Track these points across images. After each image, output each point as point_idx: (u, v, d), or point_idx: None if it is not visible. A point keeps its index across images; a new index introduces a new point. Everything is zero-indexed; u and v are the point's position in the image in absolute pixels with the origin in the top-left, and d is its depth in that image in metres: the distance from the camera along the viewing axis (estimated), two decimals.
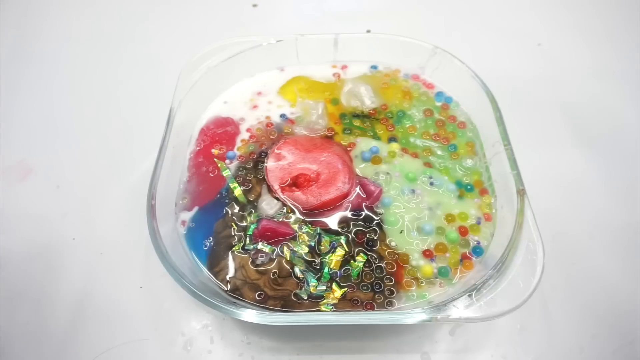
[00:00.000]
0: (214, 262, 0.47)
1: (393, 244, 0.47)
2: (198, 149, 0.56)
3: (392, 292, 0.44)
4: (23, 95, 0.71)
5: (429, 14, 0.81)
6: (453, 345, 0.46)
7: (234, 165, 0.54)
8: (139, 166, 0.57)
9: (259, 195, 0.51)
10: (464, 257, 0.46)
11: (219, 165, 0.53)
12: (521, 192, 0.45)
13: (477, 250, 0.46)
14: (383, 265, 0.46)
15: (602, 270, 0.51)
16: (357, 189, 0.50)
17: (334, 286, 0.44)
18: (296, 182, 0.50)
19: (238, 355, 0.46)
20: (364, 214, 0.49)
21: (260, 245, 0.47)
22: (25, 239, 0.55)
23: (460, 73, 0.55)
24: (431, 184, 0.51)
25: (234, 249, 0.47)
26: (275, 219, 0.49)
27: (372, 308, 0.43)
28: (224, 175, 0.53)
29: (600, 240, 0.53)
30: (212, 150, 0.55)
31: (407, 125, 0.56)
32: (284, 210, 0.49)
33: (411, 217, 0.48)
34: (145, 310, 0.49)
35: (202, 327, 0.48)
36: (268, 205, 0.50)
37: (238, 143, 0.56)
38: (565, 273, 0.50)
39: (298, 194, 0.50)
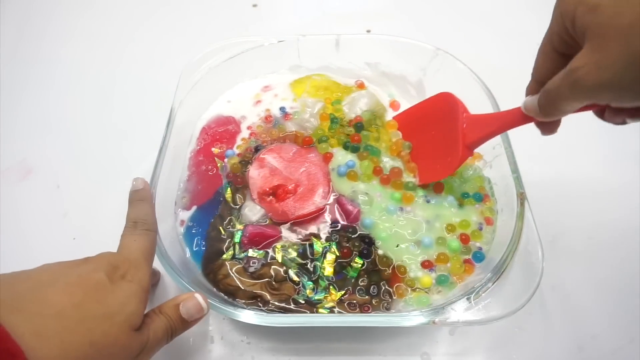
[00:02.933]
0: (208, 267, 0.47)
1: (389, 254, 0.46)
2: (198, 147, 0.56)
3: (390, 296, 0.44)
4: (23, 95, 0.71)
5: (429, 15, 0.81)
6: (453, 346, 0.46)
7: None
8: (140, 166, 0.57)
9: (243, 201, 0.51)
10: (464, 262, 0.46)
11: (219, 165, 0.54)
12: (521, 196, 0.44)
13: (478, 256, 0.46)
14: (379, 273, 0.45)
15: (602, 270, 0.51)
16: (335, 208, 0.49)
17: (331, 289, 0.44)
18: (275, 192, 0.50)
19: (238, 355, 0.46)
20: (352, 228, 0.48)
21: (250, 252, 0.47)
22: (25, 239, 0.55)
23: (462, 75, 0.55)
24: (428, 201, 0.49)
25: (224, 257, 0.47)
26: (260, 223, 0.48)
27: (369, 310, 0.43)
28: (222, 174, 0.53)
29: (600, 240, 0.53)
30: (212, 149, 0.55)
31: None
32: (269, 216, 0.49)
33: (407, 232, 0.47)
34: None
35: (202, 327, 0.48)
36: (251, 212, 0.49)
37: (238, 141, 0.56)
38: (564, 273, 0.50)
39: (275, 205, 0.49)
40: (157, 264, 0.42)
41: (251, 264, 0.46)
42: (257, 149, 0.54)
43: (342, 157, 0.52)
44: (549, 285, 0.49)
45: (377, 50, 0.60)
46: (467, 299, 0.39)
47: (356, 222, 0.48)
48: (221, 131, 0.57)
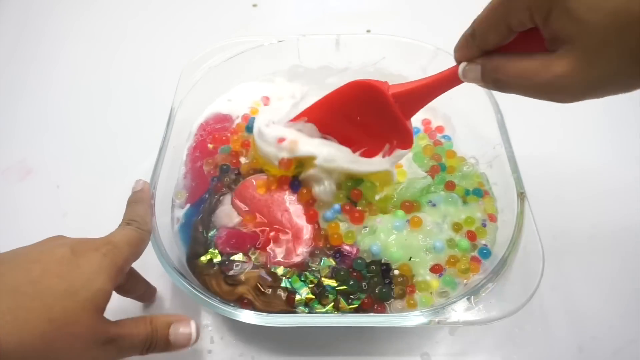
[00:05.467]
0: (190, 268, 0.46)
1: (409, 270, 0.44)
2: (195, 144, 0.56)
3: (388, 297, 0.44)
4: (23, 95, 0.71)
5: (429, 15, 0.81)
6: (453, 346, 0.46)
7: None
8: (139, 166, 0.57)
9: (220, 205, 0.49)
10: (471, 260, 0.45)
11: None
12: (521, 196, 0.44)
13: (485, 252, 0.45)
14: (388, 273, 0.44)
15: (602, 270, 0.51)
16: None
17: (342, 302, 0.43)
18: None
19: (238, 355, 0.46)
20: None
21: (235, 257, 0.45)
22: (25, 239, 0.55)
23: None
24: (433, 205, 0.48)
25: (201, 259, 0.45)
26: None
27: (369, 307, 0.43)
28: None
29: (600, 240, 0.53)
30: (209, 145, 0.55)
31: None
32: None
33: (419, 240, 0.45)
34: (144, 310, 0.49)
35: (202, 327, 0.48)
36: (227, 217, 0.47)
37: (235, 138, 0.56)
38: (564, 273, 0.50)
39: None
40: (157, 263, 0.42)
41: (234, 267, 0.44)
42: (223, 170, 0.51)
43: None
44: (549, 285, 0.49)
45: (377, 50, 0.60)
46: (467, 299, 0.39)
47: (356, 257, 0.45)
48: (218, 128, 0.57)
